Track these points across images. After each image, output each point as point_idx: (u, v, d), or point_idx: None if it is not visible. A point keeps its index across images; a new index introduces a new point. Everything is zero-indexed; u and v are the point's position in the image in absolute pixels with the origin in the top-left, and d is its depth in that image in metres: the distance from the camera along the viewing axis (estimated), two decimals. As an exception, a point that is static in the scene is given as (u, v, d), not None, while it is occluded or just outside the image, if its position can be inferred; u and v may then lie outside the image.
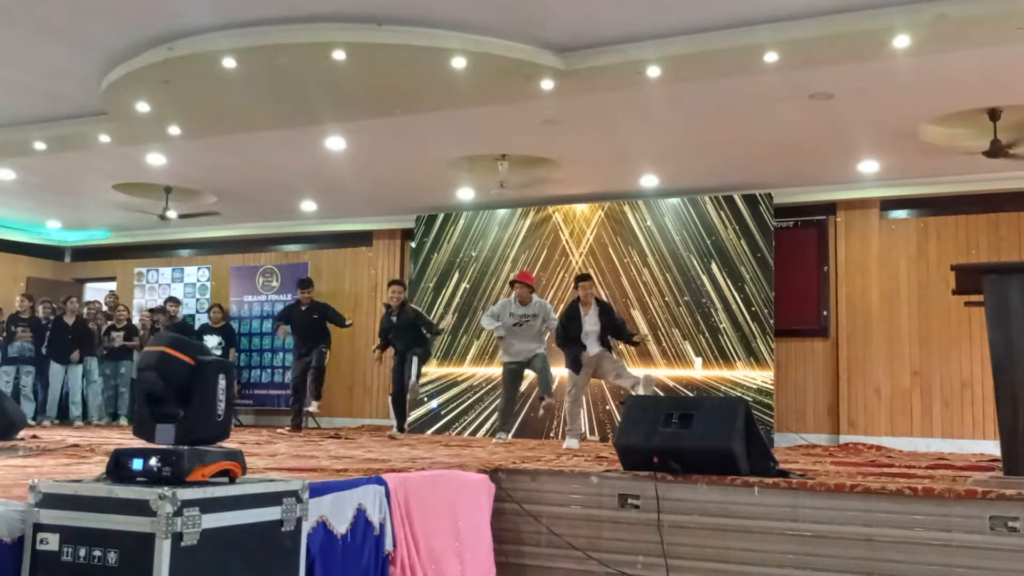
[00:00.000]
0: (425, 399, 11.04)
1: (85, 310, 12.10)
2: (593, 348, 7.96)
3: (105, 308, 12.27)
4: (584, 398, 8.50)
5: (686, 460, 4.83)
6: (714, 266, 10.22)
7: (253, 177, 10.46)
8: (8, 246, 13.87)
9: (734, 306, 10.07)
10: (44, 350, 11.17)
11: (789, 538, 4.52)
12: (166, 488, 2.68)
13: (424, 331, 9.13)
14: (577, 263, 10.79)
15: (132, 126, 8.62)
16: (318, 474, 4.51)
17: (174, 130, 8.70)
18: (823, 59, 6.63)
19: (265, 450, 6.68)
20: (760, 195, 10.15)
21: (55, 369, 11.19)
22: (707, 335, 10.13)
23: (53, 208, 12.64)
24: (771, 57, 6.56)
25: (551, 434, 10.03)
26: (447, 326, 10.58)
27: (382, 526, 4.11)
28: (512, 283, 8.99)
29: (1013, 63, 6.61)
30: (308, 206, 11.88)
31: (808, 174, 9.77)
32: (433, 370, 11.18)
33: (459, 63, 6.87)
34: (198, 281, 13.46)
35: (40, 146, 9.24)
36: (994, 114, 7.64)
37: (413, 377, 8.96)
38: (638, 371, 10.21)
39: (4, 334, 11.26)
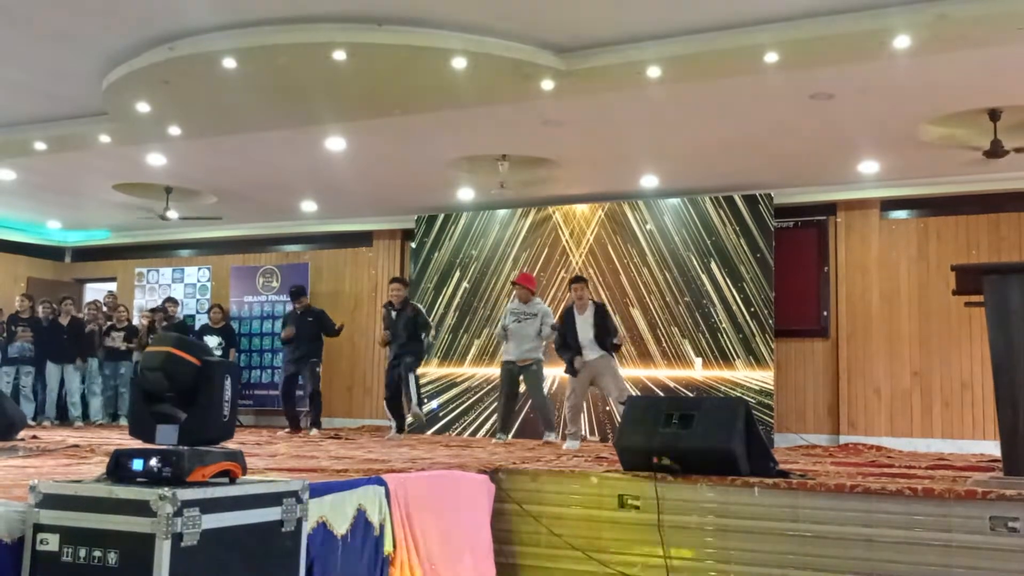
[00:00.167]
0: (425, 400, 11.04)
1: (86, 310, 12.11)
2: (591, 353, 7.86)
3: (104, 308, 12.27)
4: (584, 401, 8.47)
5: (686, 460, 4.82)
6: (714, 266, 10.23)
7: (253, 177, 10.46)
8: (8, 246, 13.87)
9: (734, 306, 10.07)
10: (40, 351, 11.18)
11: (789, 538, 4.51)
12: (166, 488, 2.68)
13: (420, 332, 9.08)
14: (577, 263, 10.79)
15: (132, 126, 8.62)
16: (318, 474, 4.51)
17: (174, 130, 8.70)
18: (823, 59, 6.63)
19: (265, 450, 6.68)
20: (760, 195, 10.15)
21: (51, 369, 11.19)
22: (707, 335, 10.13)
23: (53, 208, 12.64)
24: (771, 57, 6.56)
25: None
26: (433, 339, 10.50)
27: (382, 527, 4.11)
28: (513, 283, 9.06)
29: (1013, 63, 6.61)
30: (308, 206, 11.89)
31: (808, 174, 9.77)
32: (433, 370, 11.19)
33: (459, 63, 6.87)
34: (198, 281, 13.47)
35: (40, 146, 9.25)
36: (994, 114, 7.64)
37: (413, 401, 8.82)
38: (639, 371, 10.24)
39: (4, 334, 11.26)
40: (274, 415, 12.07)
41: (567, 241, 10.95)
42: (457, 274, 11.47)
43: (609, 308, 8.60)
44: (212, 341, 11.81)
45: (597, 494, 4.98)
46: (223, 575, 2.84)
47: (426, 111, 7.91)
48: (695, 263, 10.33)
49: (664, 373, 10.17)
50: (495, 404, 9.73)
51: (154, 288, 13.57)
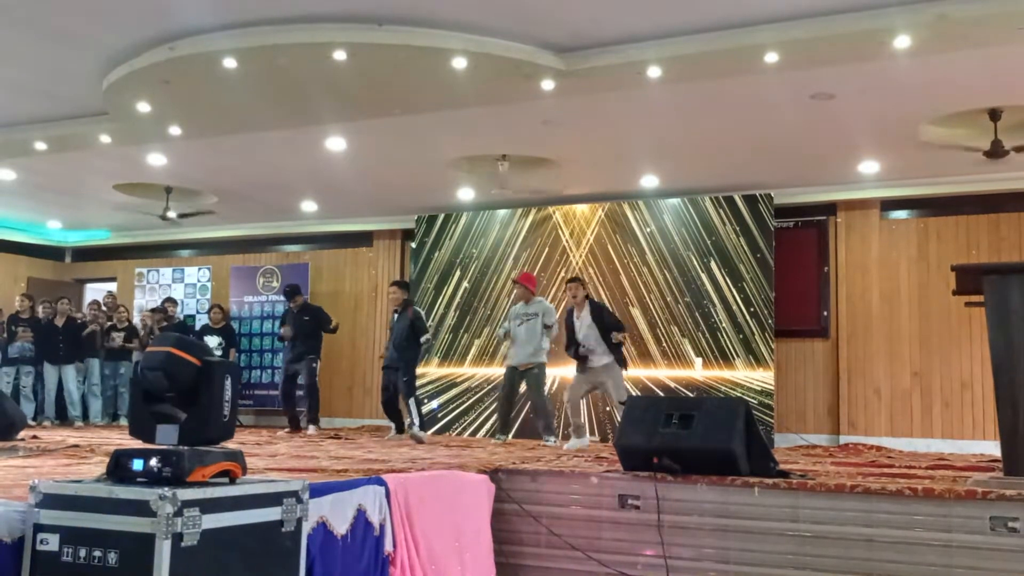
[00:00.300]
0: (425, 401, 11.03)
1: (87, 310, 12.10)
2: (597, 360, 7.77)
3: (104, 308, 12.27)
4: (583, 401, 8.45)
5: (686, 460, 4.82)
6: (714, 266, 10.23)
7: (253, 177, 10.47)
8: (9, 246, 13.87)
9: (734, 306, 10.07)
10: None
11: (789, 539, 4.52)
12: (166, 488, 2.68)
13: (418, 336, 9.03)
14: (577, 263, 10.80)
15: (133, 126, 8.63)
16: (318, 474, 4.51)
17: (175, 130, 8.70)
18: (824, 59, 6.63)
19: (265, 450, 6.68)
20: (760, 195, 10.15)
21: (48, 370, 11.18)
22: (707, 335, 10.13)
23: (54, 208, 12.64)
24: (771, 57, 6.56)
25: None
26: (431, 342, 10.44)
27: (382, 527, 4.11)
28: (514, 281, 9.08)
29: (1013, 63, 6.61)
30: (308, 206, 11.89)
31: (808, 174, 9.77)
32: (433, 370, 11.19)
33: (459, 63, 6.87)
34: (199, 281, 13.46)
35: (41, 146, 9.25)
36: (994, 114, 7.64)
37: (415, 425, 8.68)
38: (639, 371, 10.23)
39: (4, 334, 11.26)
40: (274, 415, 12.07)
41: (567, 241, 10.95)
42: (457, 274, 11.47)
43: (607, 304, 8.57)
44: (212, 341, 11.81)
45: (597, 494, 4.98)
46: (223, 575, 2.84)
47: (426, 111, 7.91)
48: (695, 263, 10.33)
49: (664, 373, 10.17)
50: (495, 404, 9.74)
51: (154, 288, 13.56)
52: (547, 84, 7.19)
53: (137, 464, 2.92)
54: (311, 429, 9.66)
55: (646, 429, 5.06)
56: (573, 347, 7.90)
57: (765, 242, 10.05)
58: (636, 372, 10.15)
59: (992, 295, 4.47)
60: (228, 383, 3.10)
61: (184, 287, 13.46)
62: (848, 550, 4.39)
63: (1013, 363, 4.38)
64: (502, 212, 11.32)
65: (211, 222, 12.62)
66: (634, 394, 9.04)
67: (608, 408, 9.96)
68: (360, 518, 3.95)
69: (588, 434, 8.47)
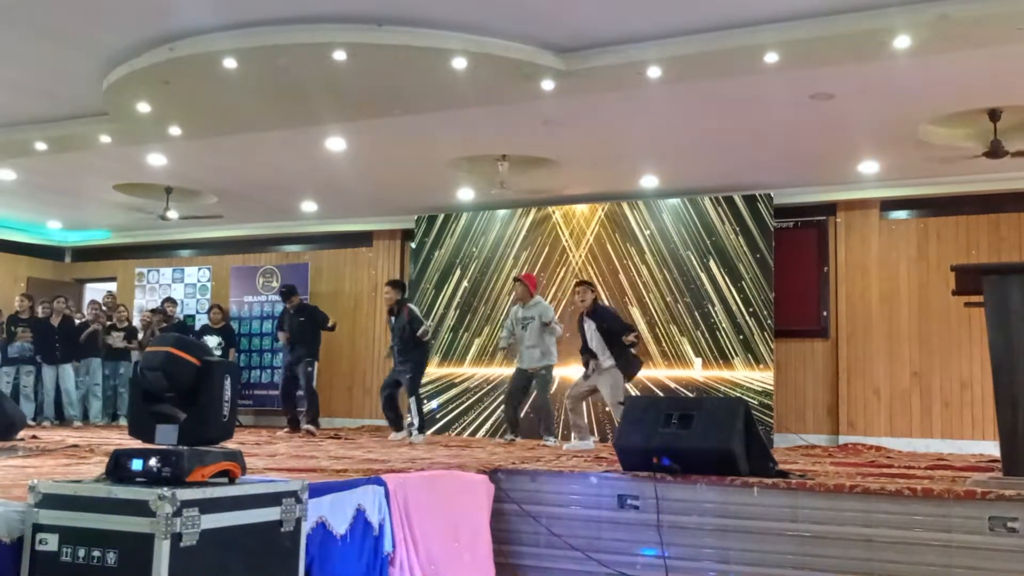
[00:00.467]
0: (425, 401, 11.02)
1: (88, 310, 12.10)
2: (600, 363, 7.73)
3: (104, 308, 12.27)
4: (583, 403, 8.44)
5: (686, 460, 4.83)
6: (714, 266, 10.23)
7: (253, 177, 10.47)
8: (9, 246, 13.87)
9: (734, 306, 10.08)
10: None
11: (788, 539, 4.52)
12: (165, 488, 2.68)
13: (419, 335, 8.99)
14: (577, 263, 10.80)
15: (133, 126, 8.62)
16: (317, 475, 4.51)
17: (175, 130, 8.70)
18: (823, 59, 6.63)
19: (264, 450, 6.68)
20: (760, 195, 10.15)
21: (46, 370, 11.17)
22: (707, 335, 10.13)
23: (54, 208, 12.65)
24: (771, 57, 6.56)
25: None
26: (430, 332, 10.37)
27: (381, 527, 4.11)
28: (516, 279, 9.09)
29: (1014, 63, 6.61)
30: (308, 206, 11.89)
31: (808, 174, 9.77)
32: (433, 370, 11.18)
33: (459, 63, 6.87)
34: (199, 281, 13.46)
35: (41, 146, 9.25)
36: (994, 114, 7.64)
37: (414, 426, 8.62)
38: (640, 372, 10.18)
39: (4, 335, 11.26)
40: (274, 415, 12.07)
41: (567, 241, 10.95)
42: (457, 273, 11.47)
43: (611, 307, 8.53)
44: (212, 341, 11.82)
45: (596, 494, 4.98)
46: (222, 575, 2.84)
47: (426, 111, 7.91)
48: (695, 263, 10.33)
49: (664, 373, 10.16)
50: (495, 404, 9.75)
51: (154, 288, 13.56)
52: (547, 84, 7.19)
53: (136, 464, 2.92)
54: (308, 427, 9.66)
55: (645, 429, 5.06)
56: (586, 352, 7.89)
57: (765, 242, 10.05)
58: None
59: (992, 295, 4.47)
60: (228, 383, 3.10)
61: (184, 287, 13.46)
62: (847, 550, 4.39)
63: (1013, 363, 4.38)
64: (502, 212, 11.32)
65: (211, 222, 12.62)
66: (633, 395, 9.03)
67: (607, 408, 9.95)
68: (359, 518, 3.95)
69: (591, 436, 8.45)
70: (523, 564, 5.05)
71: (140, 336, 11.79)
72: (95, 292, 14.24)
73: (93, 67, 7.52)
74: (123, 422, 11.36)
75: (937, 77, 6.89)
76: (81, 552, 2.73)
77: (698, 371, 10.10)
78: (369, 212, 12.09)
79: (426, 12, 6.48)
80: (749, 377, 9.88)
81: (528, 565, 5.04)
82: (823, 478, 4.83)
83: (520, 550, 5.07)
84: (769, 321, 9.91)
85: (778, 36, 6.42)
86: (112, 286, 14.07)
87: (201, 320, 12.93)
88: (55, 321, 11.32)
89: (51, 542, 2.78)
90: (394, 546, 4.18)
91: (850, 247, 10.20)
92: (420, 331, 8.68)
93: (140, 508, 2.67)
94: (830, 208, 10.31)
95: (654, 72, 6.88)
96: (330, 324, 10.23)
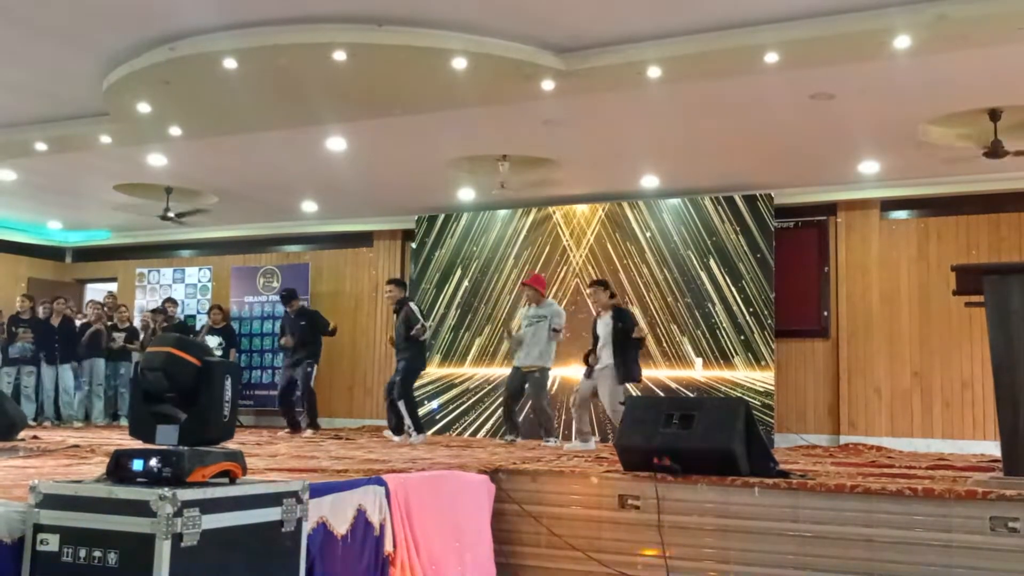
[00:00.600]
0: (425, 402, 11.03)
1: (89, 310, 12.10)
2: (602, 360, 7.74)
3: (104, 308, 12.26)
4: (590, 405, 8.43)
5: (686, 460, 4.83)
6: (714, 267, 10.23)
7: (254, 177, 10.47)
8: (9, 247, 13.87)
9: (734, 306, 10.08)
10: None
11: (789, 539, 4.52)
12: (166, 489, 2.68)
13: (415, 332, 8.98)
14: (577, 263, 10.80)
15: (133, 127, 8.63)
16: (318, 475, 4.51)
17: (175, 131, 8.70)
18: (823, 59, 6.63)
19: (265, 451, 6.68)
20: (760, 195, 10.15)
21: (46, 371, 11.17)
22: (707, 335, 10.13)
23: (54, 209, 12.65)
24: (771, 57, 6.56)
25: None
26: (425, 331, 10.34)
27: (382, 527, 4.11)
28: (523, 284, 9.07)
29: (1014, 63, 6.61)
30: (309, 207, 11.89)
31: (808, 174, 9.77)
32: (433, 370, 11.18)
33: (459, 63, 6.87)
34: (199, 282, 13.47)
35: (41, 147, 9.25)
36: (994, 114, 7.64)
37: (406, 422, 8.62)
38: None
39: (5, 335, 11.26)
40: (274, 415, 12.06)
41: (567, 241, 10.95)
42: (458, 273, 11.47)
43: (628, 308, 8.45)
44: (212, 341, 11.82)
45: (597, 494, 4.98)
46: (223, 575, 2.84)
47: (426, 111, 7.91)
48: (695, 263, 10.33)
49: (664, 373, 10.16)
50: (496, 404, 9.75)
51: (155, 288, 13.57)
52: (547, 84, 7.19)
53: (137, 464, 2.91)
54: (308, 433, 9.64)
55: (646, 429, 5.06)
56: (594, 353, 7.87)
57: (765, 242, 10.05)
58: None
59: (992, 295, 4.47)
60: (228, 383, 3.10)
61: (184, 287, 13.46)
62: (848, 550, 4.39)
63: (1013, 363, 4.38)
64: (502, 212, 11.32)
65: (212, 222, 12.62)
66: (634, 395, 9.02)
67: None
68: (360, 518, 3.95)
69: (593, 437, 8.44)
70: (524, 564, 5.05)
71: (141, 336, 11.79)
72: (96, 292, 14.24)
73: (93, 67, 7.53)
74: (124, 422, 11.37)
75: (937, 77, 6.89)
76: (82, 552, 2.73)
77: (699, 371, 10.10)
78: (369, 212, 12.09)
79: (426, 12, 6.48)
80: (750, 377, 9.88)
81: (529, 565, 5.04)
82: (824, 478, 4.83)
83: (521, 550, 5.07)
84: (770, 321, 9.91)
85: (778, 36, 6.43)
86: (113, 286, 14.07)
87: (202, 320, 12.92)
88: (55, 321, 11.32)
89: (52, 542, 2.78)
90: (395, 546, 4.17)
91: (850, 247, 10.20)
92: (414, 330, 8.61)
93: (141, 508, 2.67)
94: (830, 208, 10.31)
95: (654, 72, 6.88)
96: (331, 329, 10.23)
